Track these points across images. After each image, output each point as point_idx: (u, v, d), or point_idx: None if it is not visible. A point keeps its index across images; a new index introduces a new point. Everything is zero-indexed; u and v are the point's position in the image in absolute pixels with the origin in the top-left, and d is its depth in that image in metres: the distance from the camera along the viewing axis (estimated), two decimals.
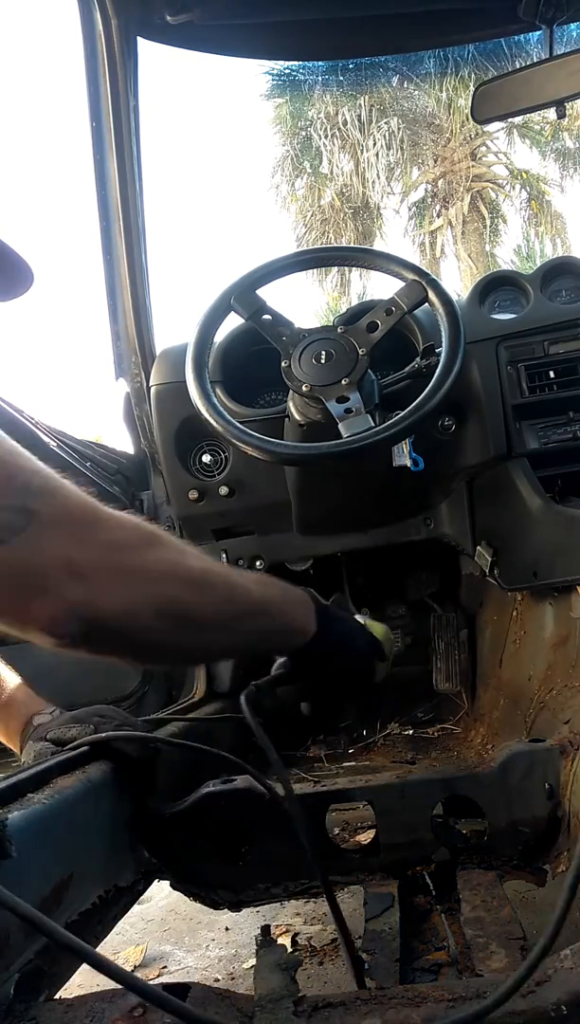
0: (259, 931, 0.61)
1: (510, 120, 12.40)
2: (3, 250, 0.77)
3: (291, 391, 1.30)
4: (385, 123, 14.83)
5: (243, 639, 0.78)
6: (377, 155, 15.10)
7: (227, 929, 1.48)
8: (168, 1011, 0.46)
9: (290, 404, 1.35)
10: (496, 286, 1.62)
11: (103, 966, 0.45)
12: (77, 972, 0.74)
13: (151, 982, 0.49)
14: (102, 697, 1.40)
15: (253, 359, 1.54)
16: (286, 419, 1.38)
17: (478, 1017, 0.45)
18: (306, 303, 15.94)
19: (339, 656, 0.88)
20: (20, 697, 1.02)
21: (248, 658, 0.85)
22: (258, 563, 1.65)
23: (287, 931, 1.37)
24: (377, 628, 0.96)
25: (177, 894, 1.03)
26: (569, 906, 0.50)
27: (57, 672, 1.55)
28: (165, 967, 1.40)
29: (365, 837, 1.00)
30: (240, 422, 1.28)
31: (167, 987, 0.50)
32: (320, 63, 1.99)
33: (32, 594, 0.60)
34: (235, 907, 1.03)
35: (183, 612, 0.68)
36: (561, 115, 1.55)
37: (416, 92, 14.11)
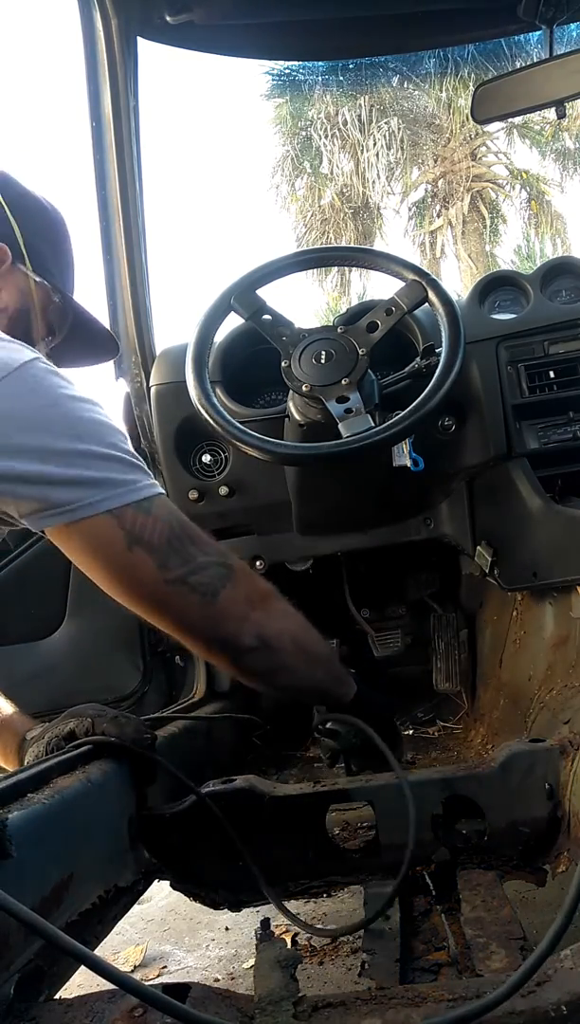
0: (260, 926, 0.61)
1: (510, 120, 12.40)
2: (87, 321, 1.03)
3: (291, 391, 1.30)
4: (385, 123, 14.83)
5: (321, 677, 1.03)
6: (377, 155, 15.10)
7: (227, 929, 1.48)
8: (166, 1012, 0.46)
9: (290, 404, 1.35)
10: (496, 286, 1.62)
11: (101, 968, 0.45)
12: (77, 972, 0.74)
13: (151, 982, 0.49)
14: (102, 697, 1.41)
15: (253, 359, 1.54)
16: (286, 419, 1.38)
17: (485, 1010, 0.45)
18: (306, 303, 15.95)
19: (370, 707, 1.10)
20: (14, 719, 1.04)
21: (313, 700, 1.10)
22: (258, 563, 1.65)
23: (287, 931, 1.37)
24: None
25: (177, 894, 1.03)
26: (574, 908, 0.50)
27: (57, 672, 1.56)
28: (165, 967, 1.40)
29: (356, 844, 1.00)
30: (240, 422, 1.28)
31: (167, 987, 0.50)
32: (320, 63, 1.99)
33: (228, 633, 0.87)
34: (235, 907, 1.03)
35: (302, 644, 0.96)
36: (561, 115, 1.55)
37: (416, 92, 14.10)
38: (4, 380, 0.74)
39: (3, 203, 0.92)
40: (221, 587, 0.85)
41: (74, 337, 1.05)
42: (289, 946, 1.32)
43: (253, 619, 0.89)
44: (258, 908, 1.02)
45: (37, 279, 0.95)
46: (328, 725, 1.13)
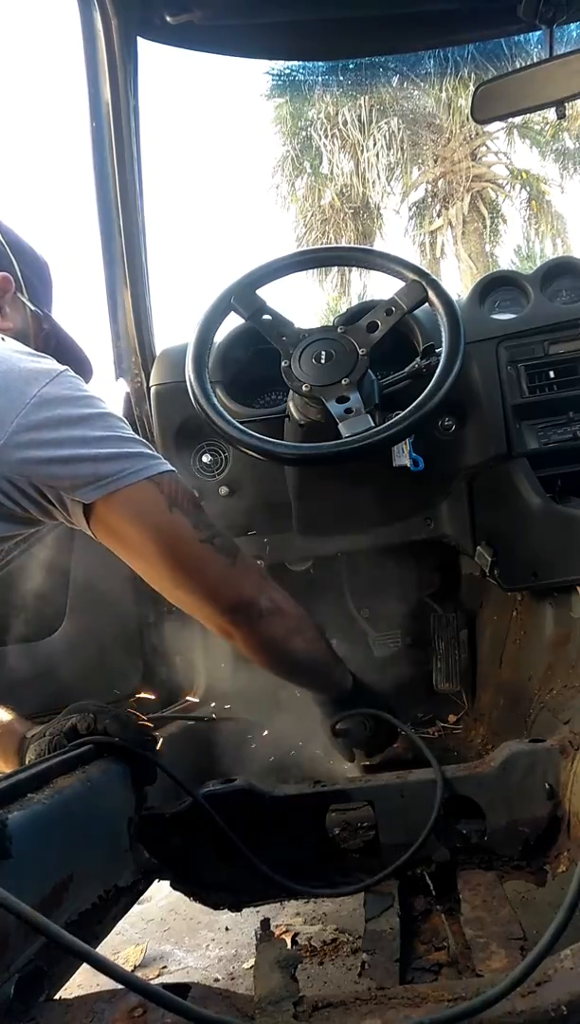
0: (260, 926, 0.61)
1: (510, 120, 12.41)
2: (70, 346, 1.13)
3: (291, 391, 1.30)
4: (385, 123, 14.83)
5: (326, 651, 1.14)
6: (377, 155, 15.10)
7: (227, 929, 1.48)
8: (170, 1010, 0.46)
9: (290, 404, 1.35)
10: (496, 286, 1.62)
11: (104, 966, 0.45)
12: (77, 972, 0.74)
13: (151, 982, 0.49)
14: (102, 697, 1.41)
15: (253, 359, 1.54)
16: (286, 419, 1.38)
17: (486, 1005, 0.45)
18: (306, 303, 15.95)
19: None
20: (13, 723, 1.06)
21: (317, 680, 1.19)
22: (258, 563, 1.65)
23: (287, 931, 1.37)
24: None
25: (177, 894, 1.03)
26: (575, 906, 0.50)
27: (57, 672, 1.56)
28: (165, 967, 1.40)
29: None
30: (240, 422, 1.28)
31: (167, 987, 0.50)
32: (320, 63, 1.99)
33: (248, 595, 0.98)
34: (235, 907, 1.03)
35: (306, 615, 1.08)
36: (561, 115, 1.55)
37: (416, 92, 14.10)
38: (51, 383, 0.88)
39: (4, 243, 1.05)
40: (237, 552, 0.98)
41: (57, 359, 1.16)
42: (289, 946, 1.32)
43: (266, 585, 1.01)
44: (258, 908, 1.02)
45: (32, 308, 1.08)
46: (338, 726, 1.20)
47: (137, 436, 0.94)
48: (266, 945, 0.57)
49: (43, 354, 0.96)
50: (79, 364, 1.17)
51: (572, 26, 1.67)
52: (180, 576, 0.94)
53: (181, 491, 0.93)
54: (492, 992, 0.46)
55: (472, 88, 1.59)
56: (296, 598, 1.06)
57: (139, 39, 1.62)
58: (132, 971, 1.38)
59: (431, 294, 1.26)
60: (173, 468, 0.94)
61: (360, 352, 1.25)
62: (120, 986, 0.47)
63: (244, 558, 1.00)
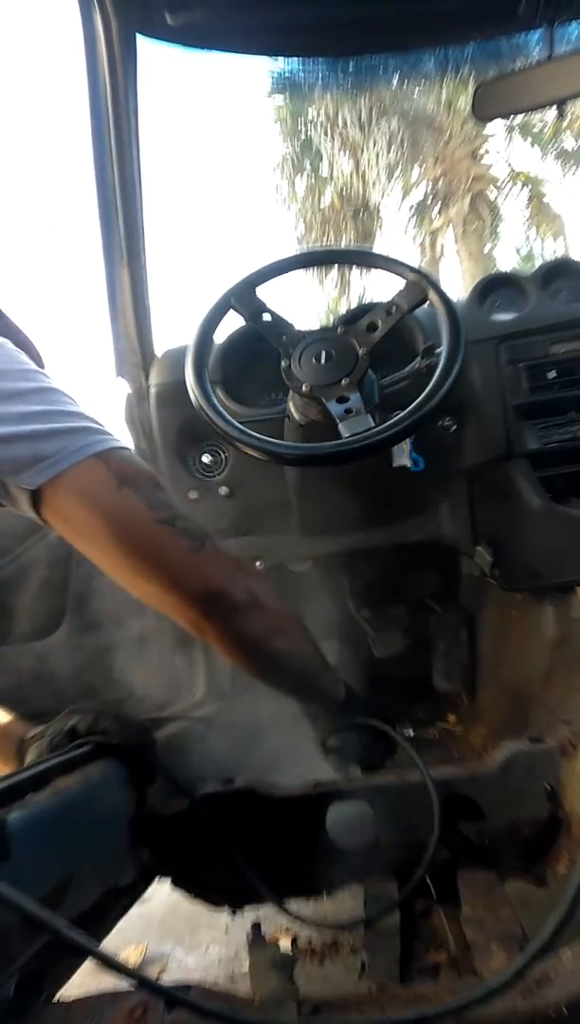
0: (251, 930, 0.60)
1: (510, 120, 12.40)
2: (15, 331, 1.01)
3: (291, 391, 1.30)
4: (385, 123, 14.82)
5: (313, 655, 1.05)
6: (377, 155, 15.09)
7: (227, 929, 1.48)
8: (178, 1004, 0.46)
9: (290, 404, 1.35)
10: (496, 286, 1.62)
11: (111, 963, 0.45)
12: (77, 972, 0.74)
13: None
14: (101, 698, 1.41)
15: (253, 359, 1.54)
16: (286, 419, 1.38)
17: (488, 995, 0.45)
18: (306, 303, 15.95)
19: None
20: (14, 724, 1.04)
21: (304, 690, 1.10)
22: (258, 563, 1.65)
23: (287, 931, 1.37)
24: None
25: (177, 894, 1.03)
26: (575, 904, 0.50)
27: (57, 672, 1.56)
28: (165, 967, 1.40)
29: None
30: (240, 422, 1.28)
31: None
32: (320, 63, 1.98)
33: (219, 585, 0.88)
34: (235, 907, 1.03)
35: (290, 613, 0.99)
36: (561, 115, 1.55)
37: (416, 92, 14.09)
38: None
39: None
40: (205, 538, 0.88)
41: None
42: (290, 947, 1.32)
43: (242, 577, 0.91)
44: (258, 908, 1.02)
45: None
46: (331, 742, 1.14)
47: (85, 412, 0.86)
48: (258, 948, 0.57)
49: None
50: (24, 349, 1.07)
51: (572, 26, 1.67)
52: (138, 563, 0.85)
53: (133, 469, 0.85)
54: (494, 981, 0.46)
55: (472, 88, 1.59)
56: (296, 599, 1.05)
57: (139, 38, 1.62)
58: None
59: (431, 294, 1.26)
60: (125, 445, 0.87)
61: (360, 352, 1.25)
62: (120, 986, 0.47)
63: (215, 545, 0.90)
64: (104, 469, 0.82)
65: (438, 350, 1.27)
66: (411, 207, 16.57)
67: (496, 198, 16.41)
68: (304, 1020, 0.49)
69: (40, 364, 1.05)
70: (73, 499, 0.81)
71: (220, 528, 1.65)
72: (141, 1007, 0.48)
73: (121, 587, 0.88)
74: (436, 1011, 0.46)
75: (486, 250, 15.94)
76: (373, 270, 1.39)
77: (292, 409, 1.34)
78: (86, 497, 0.81)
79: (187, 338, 1.34)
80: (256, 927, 0.62)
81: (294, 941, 1.36)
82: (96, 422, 0.86)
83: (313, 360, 1.25)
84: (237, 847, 0.93)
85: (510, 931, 0.78)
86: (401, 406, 1.24)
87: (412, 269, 1.30)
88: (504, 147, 16.36)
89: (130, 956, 1.44)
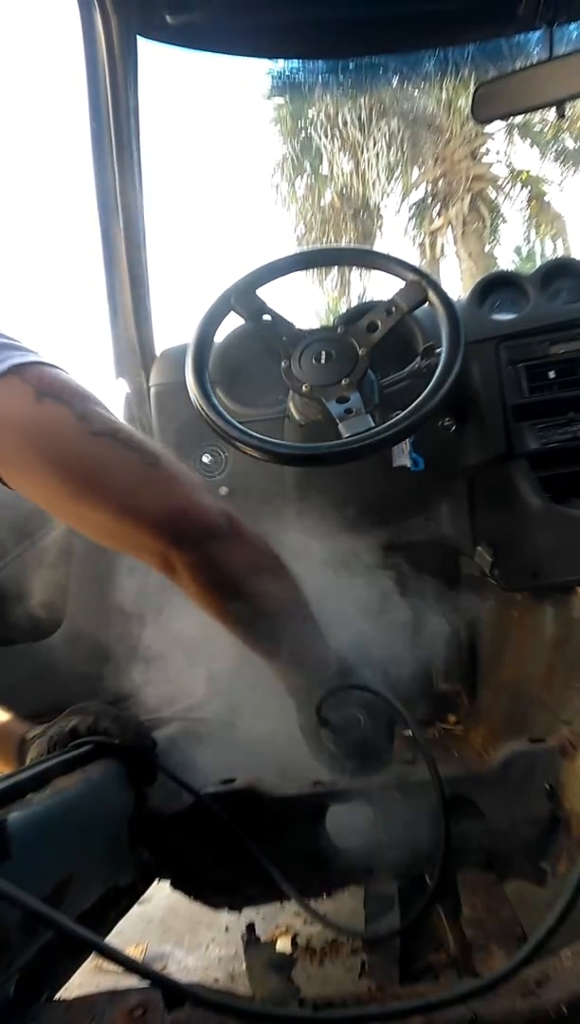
0: (245, 931, 0.60)
1: (510, 120, 12.40)
2: None
3: (291, 391, 1.30)
4: (385, 123, 14.82)
5: (307, 614, 0.91)
6: (377, 155, 15.10)
7: (227, 929, 1.48)
8: (182, 997, 0.45)
9: (290, 404, 1.35)
10: (496, 286, 1.62)
11: (115, 956, 0.45)
12: (77, 972, 0.74)
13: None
14: (101, 698, 1.40)
15: (253, 359, 1.54)
16: (286, 419, 1.38)
17: (491, 986, 0.45)
18: (306, 303, 15.96)
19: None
20: (14, 724, 1.04)
21: (290, 643, 0.91)
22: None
23: (287, 931, 1.37)
24: None
25: (177, 894, 1.03)
26: (574, 901, 0.50)
27: (57, 672, 1.56)
28: (165, 967, 1.40)
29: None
30: (240, 422, 1.28)
31: (166, 987, 0.50)
32: (320, 63, 1.99)
33: (188, 503, 0.76)
34: (235, 907, 1.03)
35: (275, 552, 0.86)
36: (561, 115, 1.55)
37: (416, 92, 14.09)
38: None
39: None
40: (160, 455, 0.75)
41: None
42: (289, 946, 1.32)
43: (217, 501, 0.78)
44: (259, 908, 1.02)
45: None
46: (325, 714, 0.94)
47: (6, 332, 0.76)
48: (254, 949, 0.57)
49: None
50: None
51: (572, 26, 1.67)
52: (76, 484, 0.72)
53: (58, 381, 0.73)
54: (495, 974, 0.46)
55: (472, 88, 1.59)
56: None
57: (139, 39, 1.62)
58: None
59: (431, 294, 1.26)
60: (55, 364, 0.75)
61: (360, 352, 1.25)
62: (120, 986, 0.47)
63: (176, 462, 0.76)
64: (19, 382, 0.71)
65: (438, 350, 1.27)
66: (411, 207, 16.59)
67: (496, 198, 16.42)
68: (313, 1013, 0.49)
69: None
70: None
71: None
72: (142, 1006, 0.48)
73: (116, 586, 0.82)
74: (441, 998, 0.46)
75: (486, 250, 15.94)
76: (373, 270, 1.39)
77: (292, 409, 1.34)
78: (5, 416, 0.70)
79: (187, 338, 1.35)
80: (250, 927, 0.62)
81: (294, 941, 1.36)
82: (16, 341, 0.75)
83: (313, 360, 1.25)
84: (245, 846, 0.93)
85: (510, 931, 0.78)
86: (401, 406, 1.24)
87: (412, 269, 1.30)
88: (504, 147, 16.36)
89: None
